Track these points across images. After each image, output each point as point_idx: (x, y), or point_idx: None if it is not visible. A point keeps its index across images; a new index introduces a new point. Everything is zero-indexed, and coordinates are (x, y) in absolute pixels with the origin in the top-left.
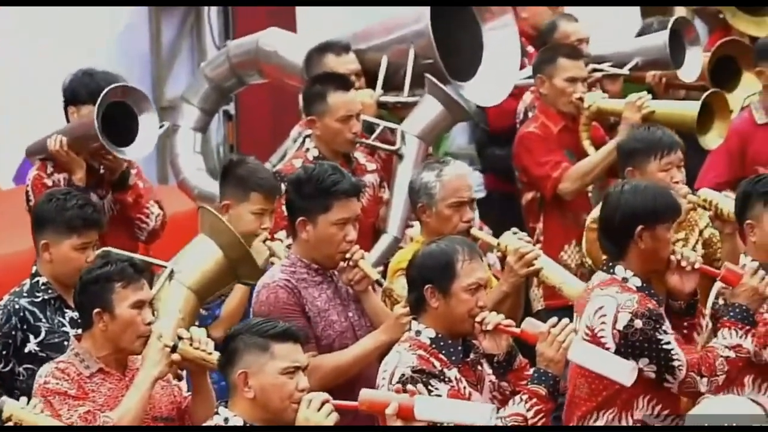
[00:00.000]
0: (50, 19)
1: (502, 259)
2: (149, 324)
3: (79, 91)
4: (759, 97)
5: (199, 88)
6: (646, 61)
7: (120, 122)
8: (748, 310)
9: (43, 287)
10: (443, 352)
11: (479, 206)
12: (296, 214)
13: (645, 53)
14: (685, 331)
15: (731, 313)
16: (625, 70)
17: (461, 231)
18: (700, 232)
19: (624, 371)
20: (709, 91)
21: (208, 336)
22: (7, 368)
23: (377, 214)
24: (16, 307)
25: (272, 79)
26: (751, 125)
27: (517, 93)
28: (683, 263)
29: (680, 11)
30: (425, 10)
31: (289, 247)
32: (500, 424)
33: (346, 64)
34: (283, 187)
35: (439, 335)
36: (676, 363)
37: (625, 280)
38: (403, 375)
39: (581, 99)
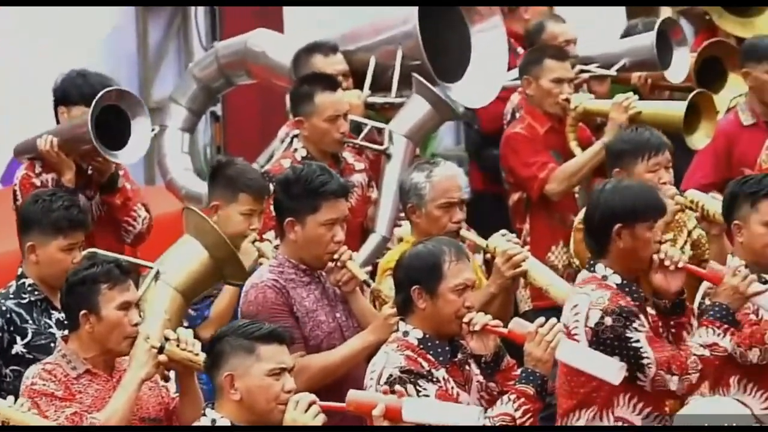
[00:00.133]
0: (50, 19)
1: (490, 261)
2: (136, 325)
3: (71, 91)
4: (745, 98)
5: (187, 89)
6: (634, 62)
7: (112, 125)
8: (728, 309)
9: (29, 289)
10: (431, 352)
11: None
12: (284, 214)
13: (632, 54)
14: (673, 330)
15: (710, 312)
16: (613, 71)
17: (451, 232)
18: (689, 233)
19: (612, 370)
20: (695, 92)
21: (196, 337)
22: None
23: (365, 214)
24: (3, 308)
25: (260, 80)
26: (737, 126)
27: (509, 95)
28: (666, 262)
29: (666, 12)
30: (413, 11)
31: (276, 247)
32: (488, 424)
33: (334, 64)
34: (271, 187)
35: (427, 336)
36: (645, 361)
37: (604, 277)
38: (391, 375)
39: (568, 100)
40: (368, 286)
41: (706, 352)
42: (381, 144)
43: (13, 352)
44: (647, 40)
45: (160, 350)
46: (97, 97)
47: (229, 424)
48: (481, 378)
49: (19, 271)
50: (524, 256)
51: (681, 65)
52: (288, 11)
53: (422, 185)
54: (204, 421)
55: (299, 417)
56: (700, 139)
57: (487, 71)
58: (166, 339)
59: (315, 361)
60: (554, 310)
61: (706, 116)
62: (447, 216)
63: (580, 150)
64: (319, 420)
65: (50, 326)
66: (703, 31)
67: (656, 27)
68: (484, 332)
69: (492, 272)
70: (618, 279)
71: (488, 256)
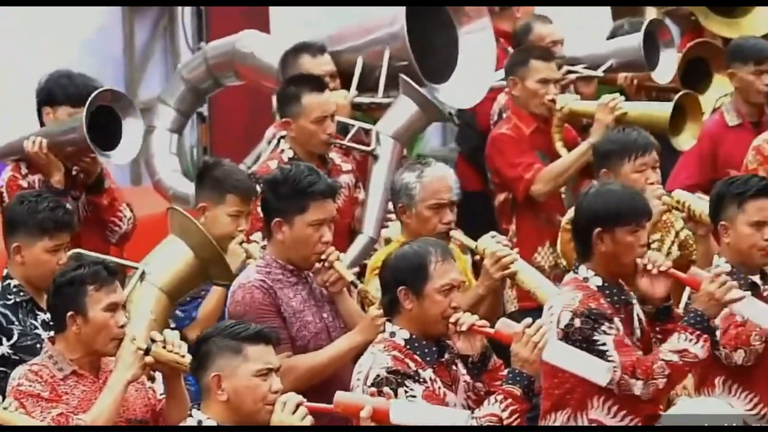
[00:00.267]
0: (36, 19)
1: (479, 262)
2: (123, 326)
3: (56, 92)
4: (730, 98)
5: (175, 90)
6: (621, 62)
7: (102, 126)
8: (702, 316)
9: (14, 290)
10: (418, 352)
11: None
12: (272, 214)
13: (619, 55)
14: (659, 336)
15: (686, 318)
16: (600, 72)
17: (440, 233)
18: (676, 234)
19: (600, 371)
20: (681, 92)
21: (184, 338)
22: None
23: (353, 215)
24: None
25: (249, 81)
26: (723, 127)
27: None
28: (649, 266)
29: (651, 12)
30: (400, 12)
31: (264, 248)
32: (475, 425)
33: (321, 65)
34: (258, 188)
35: (414, 336)
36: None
37: (585, 279)
38: (378, 376)
39: (554, 101)
40: (355, 286)
41: (675, 358)
42: (368, 145)
43: None
44: (634, 41)
45: (147, 352)
46: (90, 98)
47: (216, 425)
48: (468, 378)
49: (5, 272)
50: (513, 258)
51: (668, 66)
52: (274, 11)
53: (413, 185)
54: (190, 422)
55: (287, 418)
56: (686, 140)
57: (474, 72)
58: (153, 340)
59: (302, 361)
60: (540, 311)
61: (692, 117)
62: (437, 217)
63: (566, 151)
64: (307, 421)
65: (36, 327)
66: (689, 32)
67: (643, 28)
68: (471, 333)
69: (480, 274)
70: (599, 281)
71: (477, 257)
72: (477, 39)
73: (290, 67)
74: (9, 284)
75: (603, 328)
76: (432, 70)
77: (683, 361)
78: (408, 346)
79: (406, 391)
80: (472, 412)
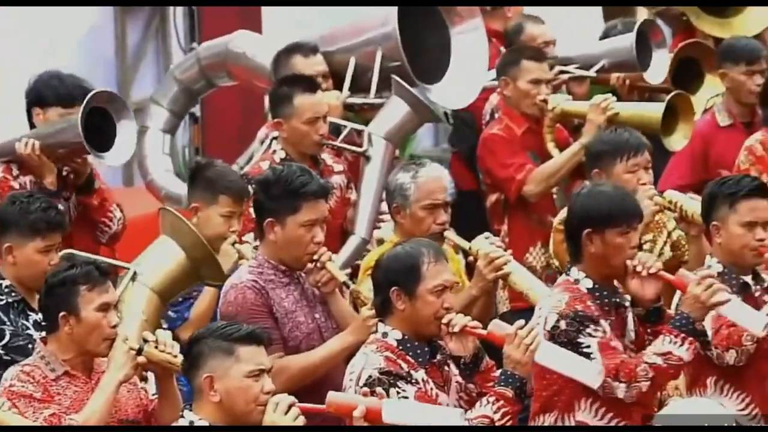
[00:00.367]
0: (27, 19)
1: (472, 263)
2: (115, 327)
3: (46, 93)
4: (722, 99)
5: (168, 90)
6: (613, 63)
7: (95, 127)
8: (688, 318)
9: (6, 290)
10: (410, 353)
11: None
12: (264, 215)
13: (612, 55)
14: (650, 338)
15: (672, 321)
16: (592, 72)
17: (435, 233)
18: (669, 234)
19: (591, 373)
20: (673, 93)
21: (176, 338)
22: None
23: (345, 216)
24: None
25: (241, 81)
26: (714, 127)
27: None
28: (639, 268)
29: (643, 12)
30: (393, 12)
31: (256, 248)
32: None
33: (313, 65)
34: (251, 189)
35: (406, 337)
36: None
37: (576, 281)
38: (370, 376)
39: (545, 101)
40: (347, 287)
41: (659, 361)
42: (360, 146)
43: None
44: (627, 41)
45: (139, 352)
46: (86, 99)
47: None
48: (460, 379)
49: None
50: (506, 260)
51: (660, 66)
52: (267, 12)
53: (407, 186)
54: (182, 423)
55: (279, 418)
56: (677, 141)
57: (466, 73)
58: (145, 341)
59: (294, 362)
60: (532, 312)
61: (684, 118)
62: (431, 217)
63: (557, 151)
64: (300, 421)
65: (28, 327)
66: (681, 32)
67: (636, 28)
68: (463, 333)
69: (474, 275)
70: (589, 283)
71: (471, 258)
72: (469, 39)
73: (282, 67)
74: (0, 285)
75: (588, 330)
76: (424, 70)
77: (667, 363)
78: (400, 347)
79: (398, 392)
80: (465, 413)
